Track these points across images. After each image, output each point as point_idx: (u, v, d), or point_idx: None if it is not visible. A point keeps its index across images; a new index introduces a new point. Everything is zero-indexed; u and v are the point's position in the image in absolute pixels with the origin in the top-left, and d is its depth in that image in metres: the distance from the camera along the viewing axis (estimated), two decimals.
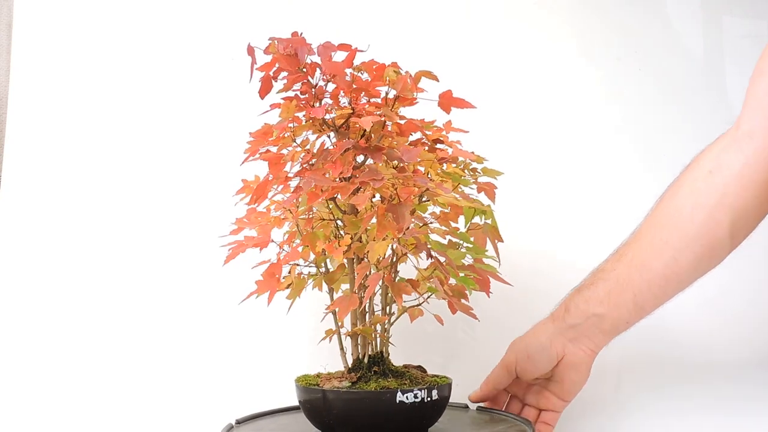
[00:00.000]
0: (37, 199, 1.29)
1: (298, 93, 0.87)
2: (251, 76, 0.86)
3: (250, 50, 0.85)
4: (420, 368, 0.97)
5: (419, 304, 0.93)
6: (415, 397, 0.86)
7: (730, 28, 1.46)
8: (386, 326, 0.93)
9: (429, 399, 0.87)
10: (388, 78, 0.87)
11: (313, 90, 0.86)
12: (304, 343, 1.06)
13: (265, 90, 0.87)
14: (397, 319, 0.95)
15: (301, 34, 0.86)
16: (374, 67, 0.88)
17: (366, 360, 0.92)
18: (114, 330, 1.25)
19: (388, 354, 0.94)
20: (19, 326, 1.24)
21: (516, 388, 1.07)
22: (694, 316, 1.35)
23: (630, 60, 1.44)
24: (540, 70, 1.42)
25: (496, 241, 0.96)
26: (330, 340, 0.95)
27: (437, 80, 0.90)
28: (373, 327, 0.92)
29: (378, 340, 0.93)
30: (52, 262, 1.27)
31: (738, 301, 1.39)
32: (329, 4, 1.38)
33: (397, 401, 0.85)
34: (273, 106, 0.89)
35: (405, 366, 0.96)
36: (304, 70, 0.85)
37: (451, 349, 1.28)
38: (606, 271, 1.00)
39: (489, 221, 0.98)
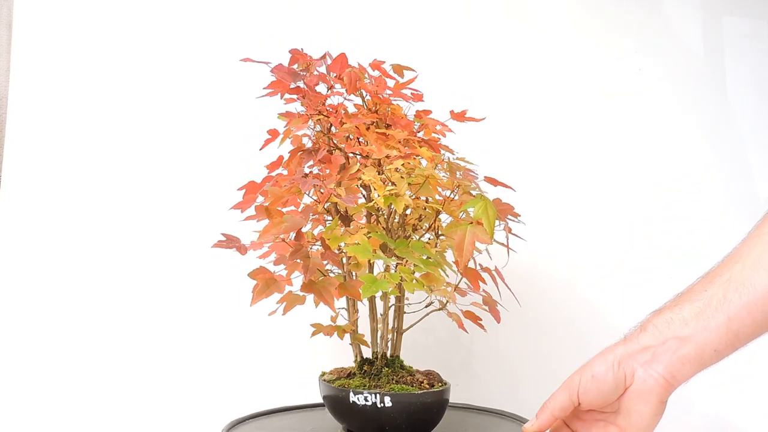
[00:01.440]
0: (37, 199, 1.28)
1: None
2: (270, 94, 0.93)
3: (280, 68, 0.92)
4: (429, 374, 0.96)
5: (440, 309, 0.94)
6: (366, 400, 0.86)
7: (730, 28, 1.46)
8: (378, 327, 0.94)
9: (382, 405, 0.86)
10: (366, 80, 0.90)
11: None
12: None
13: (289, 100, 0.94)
14: (417, 322, 0.95)
15: (302, 49, 0.91)
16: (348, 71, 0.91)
17: (358, 359, 0.95)
18: (115, 330, 1.25)
19: (391, 355, 0.94)
20: (19, 326, 1.24)
21: (578, 423, 0.90)
22: None
23: (630, 60, 1.44)
24: (540, 70, 1.42)
25: (481, 243, 0.88)
26: (328, 337, 0.97)
27: (413, 70, 0.94)
28: (351, 326, 0.94)
29: (379, 340, 0.94)
30: (52, 262, 1.27)
31: None
32: (330, 4, 1.38)
33: (350, 401, 0.87)
34: (284, 115, 0.94)
35: (417, 370, 0.96)
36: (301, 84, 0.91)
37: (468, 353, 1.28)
38: (695, 292, 0.85)
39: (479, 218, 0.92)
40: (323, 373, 0.96)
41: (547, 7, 1.43)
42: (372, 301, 0.95)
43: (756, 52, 1.46)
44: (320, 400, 0.96)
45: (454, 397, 1.05)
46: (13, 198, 1.28)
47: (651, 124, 1.43)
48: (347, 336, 0.97)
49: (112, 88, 1.32)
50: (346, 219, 0.91)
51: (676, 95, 1.44)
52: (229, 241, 0.87)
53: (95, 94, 1.32)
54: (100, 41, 1.33)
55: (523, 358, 1.31)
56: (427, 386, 0.91)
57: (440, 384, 0.93)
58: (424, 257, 0.86)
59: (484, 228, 0.85)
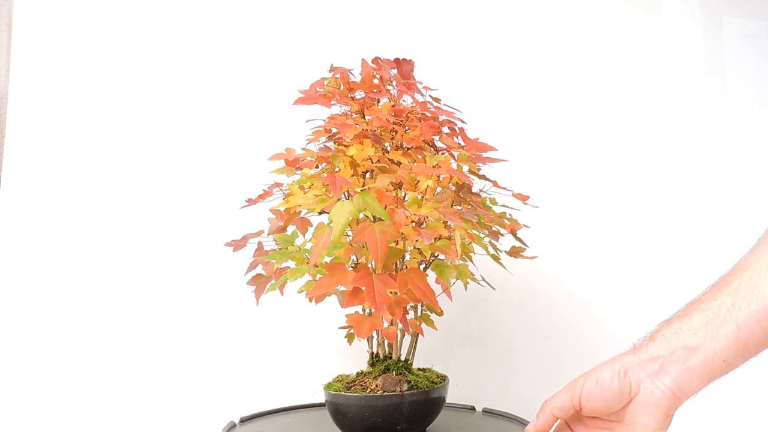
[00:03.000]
0: (37, 199, 1.28)
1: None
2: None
3: (344, 75, 0.95)
4: (386, 378, 0.97)
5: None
6: (325, 396, 0.93)
7: (730, 28, 1.46)
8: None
9: (323, 402, 0.92)
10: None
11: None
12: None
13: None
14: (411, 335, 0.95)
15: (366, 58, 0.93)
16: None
17: (371, 357, 0.97)
18: (117, 331, 1.25)
19: (384, 356, 0.95)
20: (19, 326, 1.24)
21: (581, 427, 0.89)
22: None
23: (630, 60, 1.44)
24: (539, 70, 1.42)
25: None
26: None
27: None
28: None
29: (380, 341, 0.94)
30: (52, 262, 1.27)
31: None
32: (329, 3, 1.38)
33: (325, 399, 0.93)
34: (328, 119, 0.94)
35: (420, 369, 0.96)
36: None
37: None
38: (704, 302, 0.84)
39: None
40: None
41: (547, 7, 1.43)
42: None
43: (756, 52, 1.46)
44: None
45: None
46: (13, 198, 1.28)
47: (651, 124, 1.43)
48: (347, 337, 0.97)
49: (112, 87, 1.32)
50: None
51: (676, 95, 1.44)
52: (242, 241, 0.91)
53: (95, 94, 1.32)
54: (101, 41, 1.33)
55: (523, 359, 1.31)
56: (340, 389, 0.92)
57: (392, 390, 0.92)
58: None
59: (391, 225, 0.82)
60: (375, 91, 0.94)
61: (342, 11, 1.38)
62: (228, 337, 1.26)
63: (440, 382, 0.94)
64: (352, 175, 0.88)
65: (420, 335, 0.93)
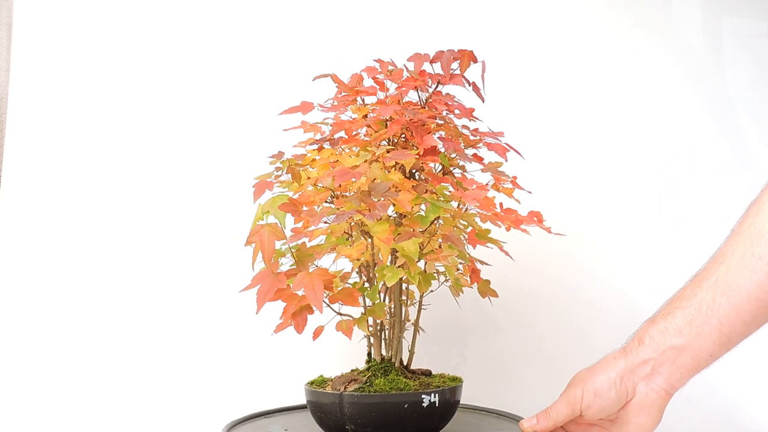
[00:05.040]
0: (37, 199, 1.29)
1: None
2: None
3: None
4: (423, 373, 0.96)
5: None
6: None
7: (730, 28, 1.46)
8: (371, 330, 0.94)
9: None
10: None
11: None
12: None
13: None
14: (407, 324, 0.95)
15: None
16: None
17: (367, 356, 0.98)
18: (115, 331, 1.25)
19: (384, 357, 0.95)
20: (19, 326, 1.24)
21: (574, 427, 0.92)
22: None
23: (630, 60, 1.44)
24: (539, 70, 1.42)
25: None
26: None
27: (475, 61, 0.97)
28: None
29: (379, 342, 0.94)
30: (52, 261, 1.27)
31: None
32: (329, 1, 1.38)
33: None
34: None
35: (423, 373, 0.96)
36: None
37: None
38: (685, 298, 0.87)
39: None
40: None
41: (546, 7, 1.43)
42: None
43: (756, 52, 1.47)
44: None
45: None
46: (13, 198, 1.28)
47: (650, 124, 1.43)
48: (346, 339, 0.97)
49: (112, 87, 1.32)
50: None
51: (676, 95, 1.44)
52: None
53: (95, 94, 1.32)
54: (101, 41, 1.33)
55: (521, 358, 1.31)
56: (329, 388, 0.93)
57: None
58: None
59: (278, 226, 0.85)
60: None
61: (344, 13, 1.38)
62: (228, 337, 1.26)
63: (405, 389, 0.90)
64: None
65: (422, 334, 0.93)
